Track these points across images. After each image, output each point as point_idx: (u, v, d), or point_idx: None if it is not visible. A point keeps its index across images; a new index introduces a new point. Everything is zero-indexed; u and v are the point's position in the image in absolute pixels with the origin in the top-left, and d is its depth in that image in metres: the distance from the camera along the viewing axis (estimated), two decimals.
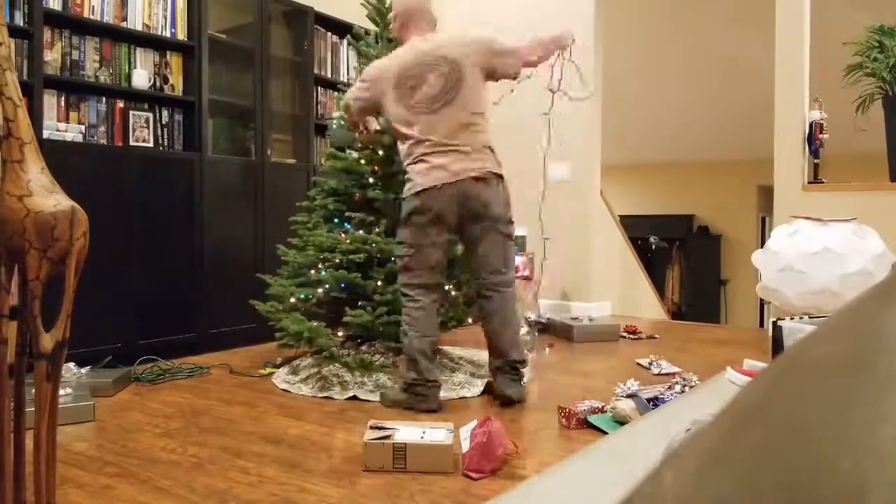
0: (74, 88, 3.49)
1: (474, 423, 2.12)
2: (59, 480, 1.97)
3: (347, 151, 3.46)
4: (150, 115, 3.78)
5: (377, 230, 3.23)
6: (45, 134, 3.26)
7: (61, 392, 2.65)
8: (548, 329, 4.50)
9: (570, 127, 5.23)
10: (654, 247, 9.55)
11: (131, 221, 3.52)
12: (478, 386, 3.02)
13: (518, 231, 5.09)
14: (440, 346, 3.64)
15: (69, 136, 3.36)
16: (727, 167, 9.18)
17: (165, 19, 3.82)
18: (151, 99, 3.79)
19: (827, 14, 4.89)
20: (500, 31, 5.62)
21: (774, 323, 1.88)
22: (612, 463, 1.12)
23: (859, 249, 3.38)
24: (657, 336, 4.43)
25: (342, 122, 3.43)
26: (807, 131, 4.32)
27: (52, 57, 3.38)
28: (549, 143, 5.21)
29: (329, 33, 4.74)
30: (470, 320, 3.42)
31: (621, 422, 2.41)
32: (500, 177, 2.80)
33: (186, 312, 3.76)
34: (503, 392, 2.75)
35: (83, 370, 3.06)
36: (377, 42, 3.58)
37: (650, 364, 3.48)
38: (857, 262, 3.35)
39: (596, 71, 5.18)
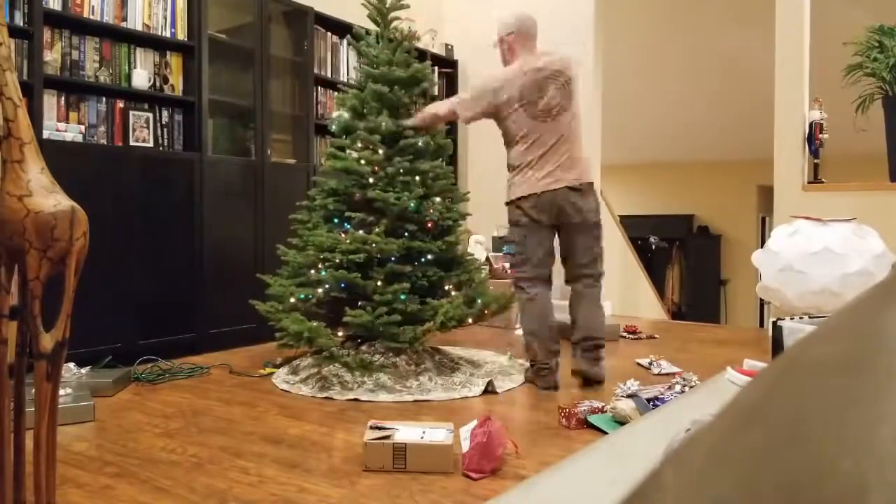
0: (74, 88, 3.49)
1: (474, 423, 2.12)
2: (59, 480, 1.97)
3: (347, 151, 3.46)
4: (150, 115, 3.78)
5: (377, 230, 3.23)
6: (45, 134, 3.26)
7: (61, 392, 2.65)
8: None
9: None
10: (654, 247, 9.55)
11: (131, 221, 3.52)
12: (478, 386, 3.03)
13: None
14: (439, 346, 3.65)
15: (69, 137, 3.36)
16: (727, 167, 9.18)
17: (165, 19, 3.82)
18: (151, 99, 3.79)
19: (827, 14, 4.89)
20: None
21: (774, 323, 1.88)
22: (612, 463, 1.12)
23: (859, 249, 3.38)
24: (657, 336, 4.43)
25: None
26: (807, 131, 4.32)
27: (52, 57, 3.38)
28: None
29: (329, 33, 4.74)
30: (470, 320, 3.42)
31: (621, 422, 2.41)
32: (591, 184, 3.22)
33: (186, 312, 3.76)
34: (589, 372, 3.09)
35: (83, 370, 3.06)
36: (378, 42, 3.58)
37: (650, 364, 3.48)
38: (857, 262, 3.35)
39: (596, 71, 5.18)
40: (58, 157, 3.16)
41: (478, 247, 4.90)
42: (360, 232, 3.24)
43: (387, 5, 3.56)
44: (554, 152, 3.08)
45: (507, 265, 4.67)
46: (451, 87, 5.72)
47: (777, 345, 1.87)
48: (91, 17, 3.51)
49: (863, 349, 0.26)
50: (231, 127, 4.25)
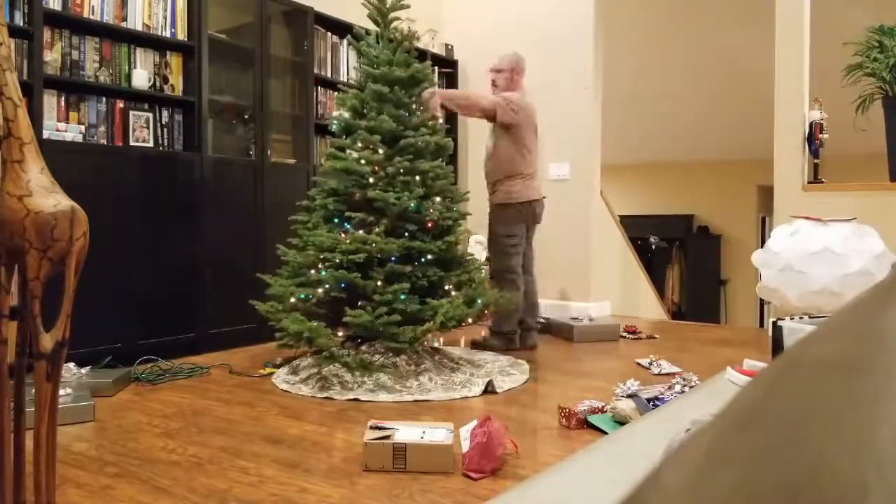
0: (74, 88, 3.49)
1: (474, 423, 2.12)
2: (58, 480, 1.97)
3: (347, 151, 3.46)
4: (150, 115, 3.78)
5: (377, 230, 3.23)
6: (45, 134, 3.26)
7: (61, 392, 2.65)
8: (548, 329, 4.50)
9: (570, 127, 5.23)
10: (654, 247, 9.55)
11: (131, 221, 3.52)
12: (478, 386, 3.03)
13: None
14: (439, 346, 3.65)
15: (69, 136, 3.36)
16: (727, 167, 9.18)
17: (165, 19, 3.82)
18: (151, 99, 3.79)
19: (827, 14, 4.89)
20: (499, 28, 5.62)
21: (774, 323, 1.88)
22: (612, 463, 1.12)
23: (859, 249, 3.38)
24: (657, 336, 4.43)
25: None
26: (807, 131, 4.32)
27: (52, 57, 3.38)
28: None
29: (329, 33, 4.74)
30: (470, 320, 3.42)
31: (621, 422, 2.41)
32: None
33: (186, 312, 3.76)
34: (533, 340, 3.99)
35: (83, 370, 3.06)
36: (378, 42, 3.58)
37: (650, 364, 3.48)
38: (857, 262, 3.35)
39: (596, 70, 5.18)
40: (58, 157, 3.16)
41: (478, 247, 4.90)
42: (360, 232, 3.24)
43: (387, 5, 3.56)
44: (536, 169, 3.97)
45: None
46: (450, 87, 5.71)
47: (777, 345, 1.87)
48: (91, 17, 3.51)
49: (863, 349, 0.26)
50: (231, 127, 4.25)
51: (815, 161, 4.34)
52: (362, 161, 3.35)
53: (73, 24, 3.47)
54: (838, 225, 3.51)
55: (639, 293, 5.95)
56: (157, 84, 3.83)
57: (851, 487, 0.21)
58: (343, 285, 3.18)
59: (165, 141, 3.86)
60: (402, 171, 3.34)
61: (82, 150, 3.38)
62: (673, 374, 3.27)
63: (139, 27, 3.71)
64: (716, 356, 3.76)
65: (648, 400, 2.57)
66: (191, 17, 3.90)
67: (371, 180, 3.33)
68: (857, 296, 0.31)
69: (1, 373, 1.52)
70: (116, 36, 3.66)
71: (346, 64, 4.89)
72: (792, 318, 2.00)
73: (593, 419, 2.48)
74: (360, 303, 3.15)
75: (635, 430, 1.30)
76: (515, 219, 3.84)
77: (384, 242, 3.16)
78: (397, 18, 3.61)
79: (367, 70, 3.49)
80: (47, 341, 1.52)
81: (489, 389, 3.00)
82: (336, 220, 3.38)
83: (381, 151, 3.36)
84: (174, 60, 3.90)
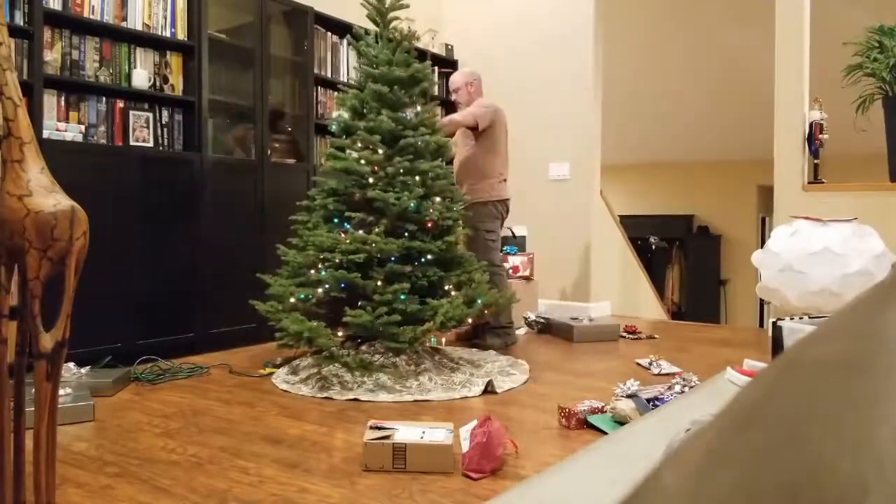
0: (74, 88, 3.49)
1: (474, 423, 2.12)
2: (58, 480, 1.97)
3: (347, 151, 3.46)
4: (150, 114, 3.78)
5: (377, 230, 3.23)
6: (45, 134, 3.26)
7: (61, 392, 2.65)
8: (548, 328, 4.50)
9: (570, 127, 5.23)
10: (654, 247, 9.55)
11: (131, 221, 3.52)
12: (478, 386, 3.03)
13: (518, 231, 5.09)
14: (439, 346, 3.65)
15: (69, 136, 3.36)
16: (727, 167, 9.18)
17: (165, 19, 3.82)
18: (151, 99, 3.79)
19: (827, 14, 4.89)
20: (499, 28, 5.62)
21: (774, 323, 1.88)
22: (612, 463, 1.12)
23: (859, 249, 3.38)
24: (657, 336, 4.43)
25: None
26: (807, 131, 4.32)
27: (52, 57, 3.38)
28: None
29: (329, 33, 4.74)
30: (470, 320, 3.42)
31: (621, 422, 2.41)
32: None
33: (186, 312, 3.76)
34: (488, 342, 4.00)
35: (83, 370, 3.06)
36: (377, 42, 3.58)
37: (650, 364, 3.48)
38: (857, 263, 3.35)
39: (596, 70, 5.18)
40: (58, 156, 3.16)
41: None
42: (360, 232, 3.24)
43: (386, 5, 3.56)
44: (507, 169, 4.21)
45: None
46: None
47: (777, 345, 1.87)
48: (91, 16, 3.51)
49: (863, 349, 0.26)
50: (231, 127, 4.25)
51: (815, 161, 4.34)
52: (362, 161, 3.35)
53: (74, 24, 3.47)
54: (838, 225, 3.51)
55: (639, 293, 5.95)
56: (157, 84, 3.83)
57: (851, 487, 0.21)
58: (343, 285, 3.18)
59: (165, 141, 3.86)
60: (401, 171, 3.34)
61: (82, 149, 3.38)
62: (673, 375, 3.27)
63: (139, 27, 3.71)
64: (716, 356, 3.76)
65: (648, 400, 2.57)
66: (191, 16, 3.90)
67: (371, 180, 3.33)
68: (856, 296, 0.31)
69: (1, 372, 1.52)
70: (116, 36, 3.66)
71: (346, 64, 4.89)
72: (792, 319, 2.00)
73: (593, 419, 2.48)
74: (359, 303, 3.15)
75: (635, 431, 1.30)
76: (494, 216, 4.05)
77: (384, 242, 3.16)
78: (396, 18, 3.61)
79: (367, 70, 3.49)
80: (47, 341, 1.52)
81: (489, 389, 3.00)
82: (336, 220, 3.38)
83: (380, 151, 3.36)
84: (174, 60, 3.90)
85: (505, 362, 3.53)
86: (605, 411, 2.52)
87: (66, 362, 2.73)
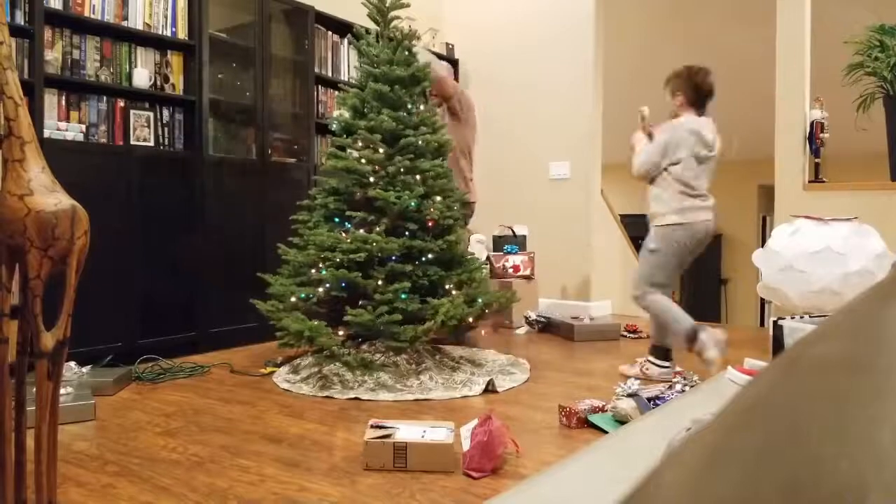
0: (75, 87, 3.49)
1: (475, 422, 2.12)
2: (59, 479, 1.97)
3: (348, 151, 3.46)
4: (151, 114, 3.78)
5: (378, 229, 3.23)
6: (46, 133, 3.26)
7: (62, 391, 2.65)
8: (548, 327, 4.50)
9: (570, 126, 5.22)
10: None
11: (132, 221, 3.52)
12: (479, 385, 3.03)
13: (519, 230, 5.09)
14: (440, 346, 3.65)
15: (70, 136, 3.36)
16: (727, 167, 9.15)
17: (166, 18, 3.82)
18: (152, 98, 3.79)
19: (828, 13, 4.89)
20: (499, 28, 5.62)
21: (775, 322, 1.88)
22: (612, 463, 1.12)
23: (860, 249, 3.38)
24: None
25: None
26: (808, 130, 4.32)
27: (52, 56, 3.38)
28: None
29: (330, 32, 4.74)
30: (471, 320, 3.41)
31: (622, 421, 2.41)
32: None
33: (187, 312, 3.76)
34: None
35: (84, 369, 3.06)
36: (378, 41, 3.58)
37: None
38: (857, 262, 3.35)
39: (596, 69, 5.18)
40: (58, 156, 3.16)
41: (479, 246, 4.90)
42: (361, 231, 3.24)
43: (387, 4, 3.56)
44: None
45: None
46: None
47: (777, 344, 1.88)
48: (92, 16, 3.51)
49: (863, 349, 0.26)
50: (231, 126, 4.25)
51: (816, 160, 4.33)
52: (363, 160, 3.35)
53: (74, 24, 3.47)
54: (839, 224, 3.51)
55: None
56: (158, 83, 3.83)
57: (851, 487, 0.21)
58: (344, 284, 3.18)
59: (166, 140, 3.86)
60: (402, 170, 3.34)
61: (83, 149, 3.38)
62: (673, 374, 3.27)
63: (140, 26, 3.71)
64: None
65: (649, 399, 2.57)
66: (191, 16, 3.90)
67: (372, 179, 3.33)
68: (857, 295, 0.31)
69: (2, 372, 1.52)
70: (117, 35, 3.66)
71: (347, 63, 4.88)
72: (792, 318, 2.01)
73: (594, 418, 2.48)
74: (360, 302, 3.15)
75: (636, 430, 1.30)
76: (469, 218, 4.16)
77: (385, 241, 3.16)
78: (397, 17, 3.61)
79: (368, 69, 3.49)
80: (48, 340, 1.53)
81: (490, 388, 3.00)
82: (337, 220, 3.38)
83: (381, 150, 3.36)
84: (175, 59, 3.90)
85: (505, 361, 3.53)
86: (606, 410, 2.52)
87: (67, 361, 2.74)
